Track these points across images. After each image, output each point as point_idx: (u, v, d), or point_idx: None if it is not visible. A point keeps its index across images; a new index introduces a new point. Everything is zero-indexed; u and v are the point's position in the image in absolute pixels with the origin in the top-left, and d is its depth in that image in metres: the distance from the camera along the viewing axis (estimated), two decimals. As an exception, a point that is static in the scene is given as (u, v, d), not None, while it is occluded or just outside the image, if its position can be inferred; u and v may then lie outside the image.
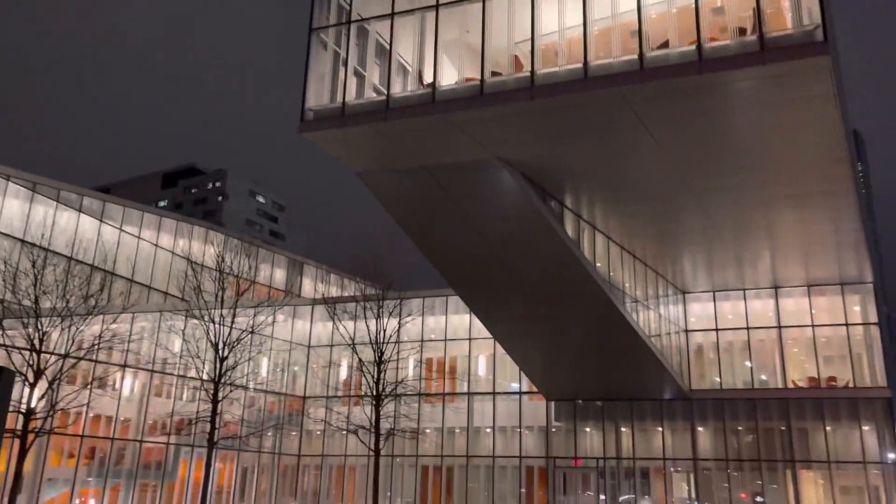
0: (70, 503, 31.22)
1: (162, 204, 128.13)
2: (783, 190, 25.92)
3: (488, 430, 39.63)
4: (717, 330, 37.02)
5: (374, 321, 33.43)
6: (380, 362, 32.37)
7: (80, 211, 38.14)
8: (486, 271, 29.60)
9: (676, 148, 22.86)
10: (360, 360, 33.01)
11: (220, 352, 29.58)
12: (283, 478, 42.01)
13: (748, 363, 36.44)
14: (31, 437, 26.02)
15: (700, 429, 35.90)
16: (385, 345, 33.11)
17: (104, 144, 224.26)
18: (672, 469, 36.04)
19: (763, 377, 36.25)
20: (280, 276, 52.32)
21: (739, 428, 35.33)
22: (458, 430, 40.23)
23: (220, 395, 30.01)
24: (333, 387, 41.09)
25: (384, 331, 32.98)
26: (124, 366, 34.01)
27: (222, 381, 30.19)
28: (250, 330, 30.56)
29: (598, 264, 30.75)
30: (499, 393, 39.82)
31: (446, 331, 41.60)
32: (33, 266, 27.23)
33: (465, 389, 40.57)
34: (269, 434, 41.75)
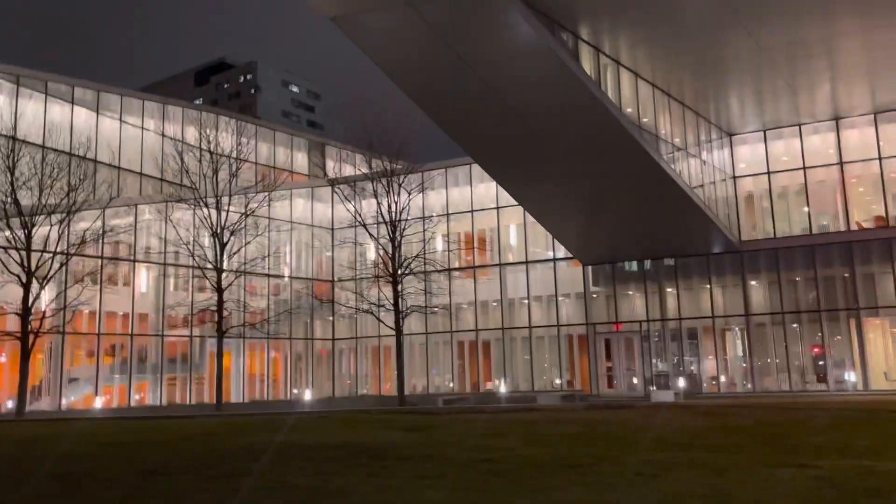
0: (94, 400, 30.84)
1: (197, 102, 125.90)
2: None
3: (523, 300, 37.53)
4: (769, 173, 33.16)
5: (387, 197, 30.96)
6: (392, 239, 30.14)
7: (72, 103, 35.92)
8: (500, 127, 26.32)
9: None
10: (376, 238, 30.82)
11: (221, 237, 27.72)
12: (319, 363, 41.31)
13: (805, 207, 32.75)
14: (33, 337, 25.04)
15: (752, 282, 32.89)
16: (404, 221, 30.76)
17: (132, 47, 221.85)
18: (723, 327, 33.49)
19: (823, 222, 32.62)
20: (301, 159, 49.86)
21: (797, 278, 32.18)
22: (492, 303, 38.28)
23: (224, 282, 28.41)
24: (361, 268, 39.22)
25: (396, 204, 30.50)
26: (133, 260, 32.73)
27: (240, 269, 28.60)
28: (247, 213, 28.47)
29: (628, 109, 27.12)
30: (532, 262, 37.38)
31: (472, 202, 38.88)
32: (4, 159, 25.31)
33: (495, 261, 38.27)
34: (306, 320, 40.81)
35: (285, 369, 39.72)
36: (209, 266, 27.94)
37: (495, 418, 18.56)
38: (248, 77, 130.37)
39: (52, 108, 35.05)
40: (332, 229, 41.81)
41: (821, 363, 31.40)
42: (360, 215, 31.23)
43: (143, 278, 33.82)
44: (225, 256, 28.85)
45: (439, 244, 38.98)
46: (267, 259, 36.15)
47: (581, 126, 25.58)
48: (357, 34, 22.50)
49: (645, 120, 28.20)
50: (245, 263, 30.39)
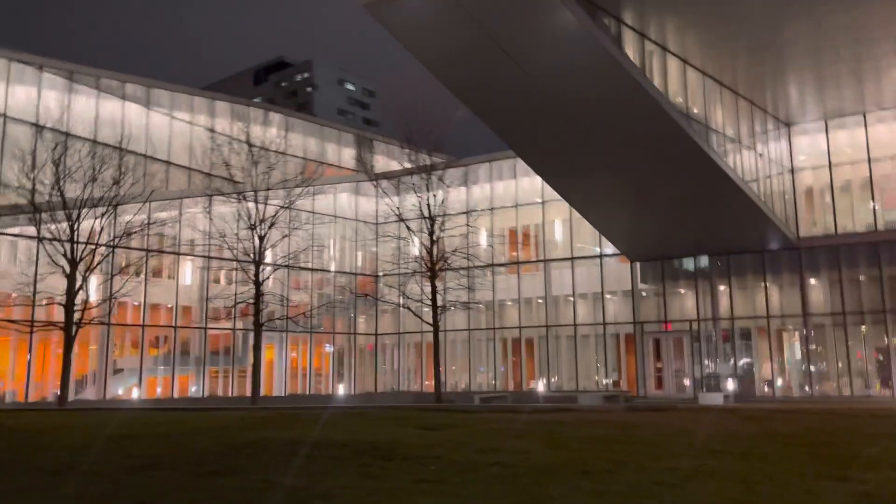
0: (139, 391, 31.26)
1: (256, 100, 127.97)
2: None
3: (569, 297, 36.50)
4: (830, 166, 31.32)
5: (426, 192, 30.53)
6: (432, 233, 29.66)
7: (123, 99, 36.52)
8: (541, 118, 25.50)
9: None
10: (413, 233, 30.43)
11: (259, 230, 27.67)
12: (362, 358, 41.13)
13: (870, 202, 30.80)
14: (76, 328, 25.42)
15: (811, 281, 31.16)
16: (441, 217, 30.25)
17: (195, 47, 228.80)
18: (779, 328, 31.84)
19: (890, 217, 30.63)
20: (349, 154, 49.81)
21: (860, 277, 30.30)
22: (536, 300, 37.37)
23: (264, 275, 28.38)
24: (404, 263, 38.82)
25: (434, 197, 30.00)
26: (177, 253, 33.06)
27: (282, 262, 28.54)
28: (285, 206, 28.36)
29: (677, 99, 25.91)
30: (577, 258, 36.30)
31: (517, 196, 38.01)
32: (51, 152, 25.75)
33: (540, 257, 37.34)
34: (349, 315, 40.70)
35: (328, 364, 39.65)
36: (247, 259, 27.94)
37: (525, 418, 17.80)
38: (305, 76, 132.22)
39: (104, 104, 35.74)
40: (377, 224, 41.54)
41: (885, 368, 29.50)
42: (398, 209, 30.82)
43: (187, 271, 34.17)
44: (267, 250, 28.83)
45: (483, 239, 38.29)
46: (310, 253, 36.14)
47: (625, 116, 24.52)
48: (392, 22, 22.03)
49: (695, 110, 26.92)
50: (285, 257, 30.32)
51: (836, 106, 30.07)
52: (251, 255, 27.89)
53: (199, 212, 32.29)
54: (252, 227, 27.70)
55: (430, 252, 29.78)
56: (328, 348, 39.64)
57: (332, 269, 39.98)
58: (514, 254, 38.43)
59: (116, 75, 36.80)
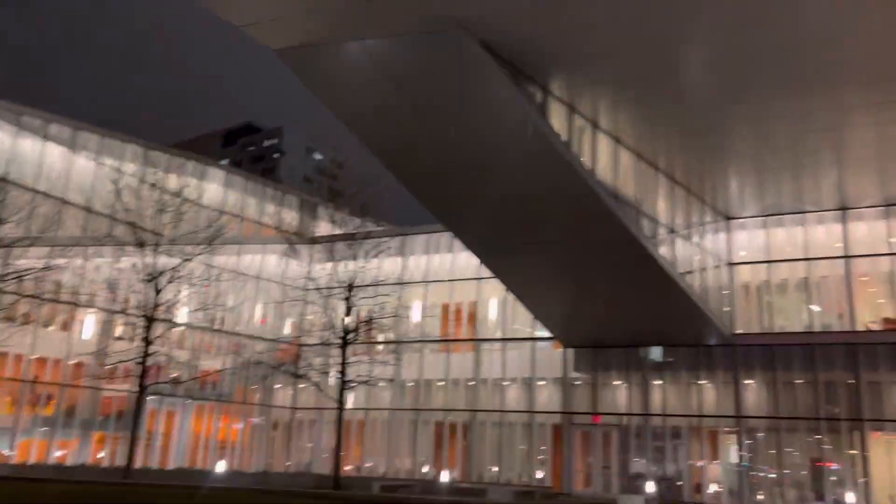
0: (9, 453, 28.07)
1: (223, 163, 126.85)
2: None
3: (497, 381, 34.43)
4: (768, 262, 30.39)
5: (348, 260, 28.98)
6: (348, 300, 27.86)
7: (45, 139, 34.62)
8: (464, 186, 24.07)
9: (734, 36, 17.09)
10: (324, 298, 28.57)
11: (156, 283, 25.51)
12: (275, 433, 38.19)
13: (807, 303, 29.75)
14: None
15: (746, 381, 29.65)
16: (359, 287, 28.50)
17: (165, 105, 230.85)
18: (712, 428, 30.07)
19: (826, 320, 29.53)
20: (290, 217, 48.07)
21: (795, 380, 28.88)
22: (464, 381, 35.21)
23: (169, 334, 26.07)
24: (326, 333, 36.56)
25: (355, 264, 28.35)
26: (72, 303, 30.53)
27: (188, 322, 26.22)
28: (186, 258, 26.27)
29: (607, 179, 24.78)
30: (509, 339, 34.48)
31: (452, 270, 36.39)
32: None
33: (471, 335, 35.46)
34: (265, 385, 37.95)
35: (236, 437, 36.64)
36: (137, 314, 25.64)
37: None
38: (274, 141, 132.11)
39: (22, 142, 33.81)
40: (306, 289, 39.38)
41: (819, 479, 27.72)
42: (310, 275, 29.08)
43: (82, 323, 31.48)
44: (166, 306, 26.54)
45: (414, 313, 36.40)
46: (227, 314, 33.90)
47: (551, 192, 23.17)
48: (305, 73, 20.80)
49: (627, 193, 25.76)
50: (195, 312, 28.04)
51: (775, 202, 29.35)
52: (144, 309, 25.60)
53: (101, 260, 30.01)
54: (149, 280, 25.53)
55: (343, 322, 27.85)
56: (223, 419, 36.55)
57: (250, 332, 37.52)
58: (446, 331, 36.51)
59: (40, 114, 35.02)
